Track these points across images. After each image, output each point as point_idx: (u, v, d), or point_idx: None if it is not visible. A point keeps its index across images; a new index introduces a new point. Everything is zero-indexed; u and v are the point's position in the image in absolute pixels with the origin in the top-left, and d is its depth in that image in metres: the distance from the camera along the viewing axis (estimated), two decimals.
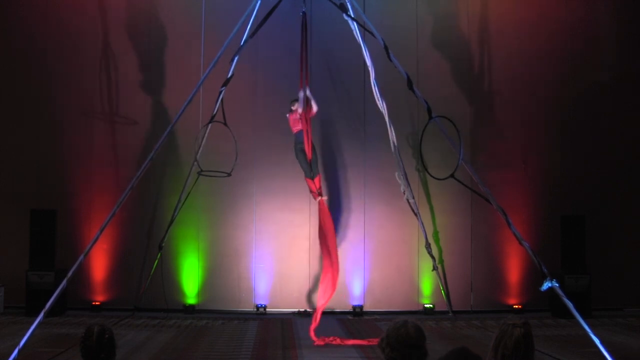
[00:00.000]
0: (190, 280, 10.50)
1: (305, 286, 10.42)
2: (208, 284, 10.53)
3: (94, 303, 10.35)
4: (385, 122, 9.42)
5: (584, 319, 6.34)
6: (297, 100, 8.76)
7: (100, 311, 10.30)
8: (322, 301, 8.29)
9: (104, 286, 10.46)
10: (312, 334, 7.90)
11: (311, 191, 8.89)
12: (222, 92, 9.12)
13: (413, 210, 10.23)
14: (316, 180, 8.79)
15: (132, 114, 10.77)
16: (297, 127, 8.80)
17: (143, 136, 10.55)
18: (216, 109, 9.36)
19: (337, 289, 10.38)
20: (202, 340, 8.22)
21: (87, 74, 10.79)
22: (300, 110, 8.64)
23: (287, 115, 9.00)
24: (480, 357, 2.58)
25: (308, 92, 8.68)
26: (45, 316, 6.56)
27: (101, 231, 7.27)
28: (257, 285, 10.52)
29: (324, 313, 10.15)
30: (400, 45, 10.31)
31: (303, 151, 8.70)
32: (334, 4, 8.65)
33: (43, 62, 10.74)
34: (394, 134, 9.48)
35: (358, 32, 9.17)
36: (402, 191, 10.01)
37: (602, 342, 6.16)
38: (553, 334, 8.68)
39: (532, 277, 9.99)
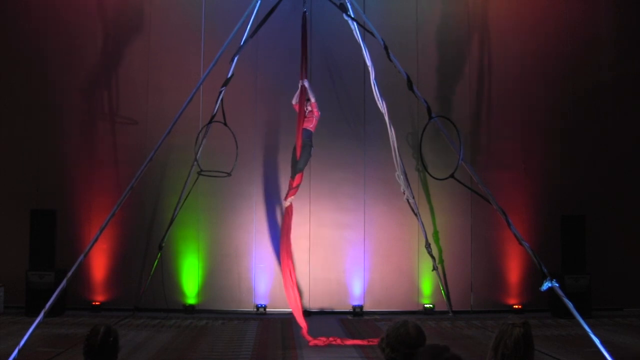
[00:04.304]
0: (190, 280, 10.50)
1: (305, 286, 10.41)
2: (208, 284, 10.53)
3: (93, 303, 10.35)
4: (385, 122, 9.41)
5: (584, 319, 6.33)
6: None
7: (100, 311, 10.30)
8: (294, 303, 8.29)
9: (104, 286, 10.45)
10: (306, 335, 7.92)
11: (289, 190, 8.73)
12: (222, 92, 9.12)
13: (413, 210, 10.23)
14: (296, 177, 8.62)
15: (132, 114, 10.77)
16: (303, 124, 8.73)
17: (143, 136, 10.56)
18: (216, 109, 9.36)
19: (337, 289, 10.49)
20: (202, 340, 8.22)
21: (87, 74, 10.79)
22: (293, 102, 8.75)
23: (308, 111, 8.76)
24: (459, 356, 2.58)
25: (306, 83, 8.69)
26: (45, 316, 6.56)
27: (101, 231, 7.27)
28: (257, 285, 10.52)
29: (324, 313, 10.20)
30: (400, 45, 10.32)
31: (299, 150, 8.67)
32: (334, 4, 8.67)
33: (43, 62, 10.74)
34: (394, 134, 9.47)
35: (358, 32, 9.17)
36: (402, 191, 10.01)
37: (602, 342, 6.16)
38: (553, 334, 8.68)
39: (532, 277, 10.00)
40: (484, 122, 11.04)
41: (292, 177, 8.66)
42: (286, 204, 8.70)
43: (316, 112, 8.68)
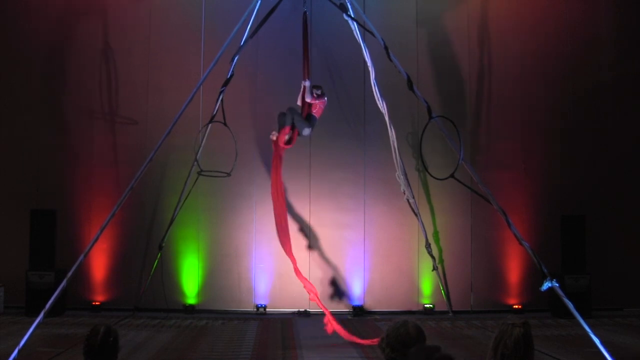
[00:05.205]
0: (190, 280, 10.50)
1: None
2: (208, 284, 10.53)
3: (93, 303, 10.35)
4: (385, 122, 9.42)
5: (584, 319, 6.34)
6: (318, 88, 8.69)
7: (100, 311, 10.30)
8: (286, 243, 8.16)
9: (104, 286, 10.45)
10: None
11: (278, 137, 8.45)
12: (222, 92, 9.12)
13: (413, 210, 10.23)
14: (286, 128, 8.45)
15: (132, 114, 10.77)
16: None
17: (143, 136, 10.56)
18: (216, 109, 9.36)
19: (337, 289, 10.49)
20: (202, 340, 8.22)
21: (87, 74, 10.79)
22: (311, 100, 8.66)
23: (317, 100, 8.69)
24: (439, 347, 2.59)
25: (307, 83, 8.69)
26: (45, 316, 6.56)
27: (101, 231, 7.27)
28: (257, 285, 10.52)
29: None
30: (400, 45, 10.32)
31: (300, 114, 8.59)
32: (334, 4, 8.67)
33: (43, 62, 10.75)
34: (394, 134, 9.48)
35: (358, 32, 9.18)
36: (402, 191, 10.02)
37: (602, 342, 6.16)
38: (553, 334, 8.68)
39: (532, 277, 9.99)
40: (484, 122, 11.04)
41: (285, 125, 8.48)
42: (273, 137, 8.46)
43: (320, 102, 8.66)
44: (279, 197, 8.42)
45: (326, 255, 10.59)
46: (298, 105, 8.74)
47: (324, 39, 10.68)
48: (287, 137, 8.42)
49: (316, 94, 8.62)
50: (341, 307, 10.42)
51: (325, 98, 8.74)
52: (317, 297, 8.03)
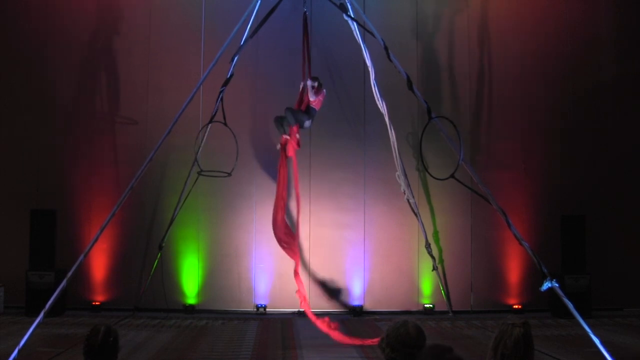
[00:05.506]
0: (190, 280, 10.50)
1: (305, 286, 10.39)
2: (208, 284, 10.53)
3: (93, 303, 10.35)
4: (385, 122, 9.42)
5: (584, 319, 6.34)
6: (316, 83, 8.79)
7: (100, 311, 10.30)
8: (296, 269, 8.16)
9: (104, 286, 10.45)
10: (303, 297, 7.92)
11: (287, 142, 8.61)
12: (222, 92, 9.12)
13: (413, 210, 10.23)
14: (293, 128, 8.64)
15: (132, 114, 10.77)
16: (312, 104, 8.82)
17: (143, 136, 10.56)
18: (216, 109, 9.36)
19: (337, 289, 10.48)
20: (202, 340, 8.22)
21: (88, 74, 10.79)
22: (312, 98, 8.78)
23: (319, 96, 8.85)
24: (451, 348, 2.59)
25: (309, 82, 8.78)
26: (45, 316, 6.57)
27: (101, 231, 7.28)
28: (257, 285, 10.52)
29: (324, 313, 10.15)
30: (400, 45, 10.33)
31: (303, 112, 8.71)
32: (334, 4, 8.67)
33: (43, 62, 10.73)
34: (394, 134, 9.48)
35: (358, 32, 9.18)
36: (403, 191, 10.02)
37: (602, 342, 6.16)
38: (553, 334, 8.68)
39: (532, 277, 9.99)
40: (484, 122, 11.04)
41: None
42: (278, 146, 8.68)
43: (320, 96, 8.73)
44: (282, 206, 8.48)
45: (326, 255, 10.59)
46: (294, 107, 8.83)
47: (324, 39, 10.68)
48: (298, 136, 8.53)
49: (312, 85, 8.67)
50: (341, 307, 10.42)
51: (324, 90, 8.83)
52: (307, 306, 8.01)
